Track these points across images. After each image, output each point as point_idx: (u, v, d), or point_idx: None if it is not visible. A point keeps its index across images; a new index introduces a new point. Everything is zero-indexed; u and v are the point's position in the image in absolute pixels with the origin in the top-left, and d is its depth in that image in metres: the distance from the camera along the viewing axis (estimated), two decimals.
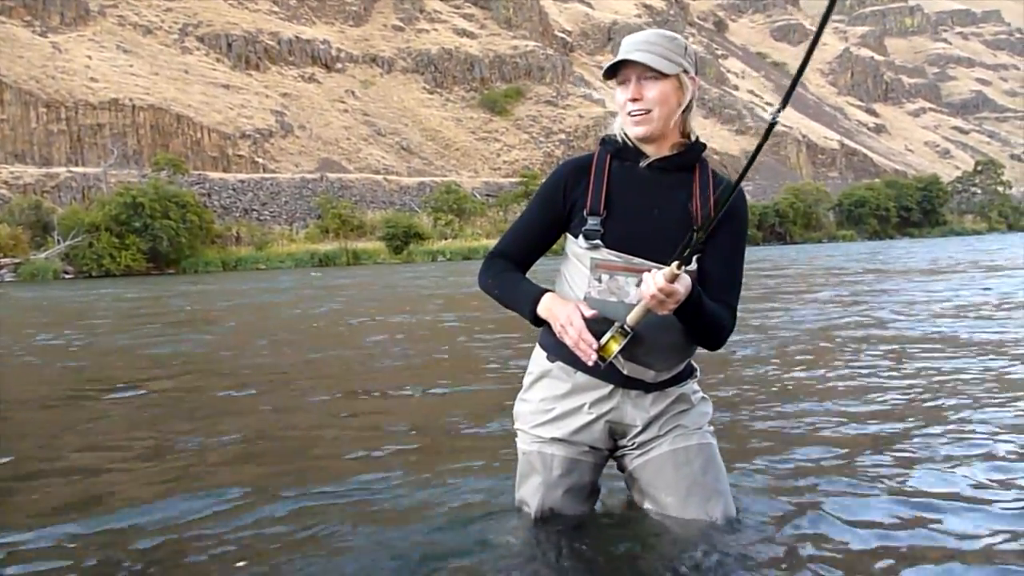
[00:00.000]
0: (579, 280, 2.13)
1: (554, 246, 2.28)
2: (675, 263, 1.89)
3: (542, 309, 2.11)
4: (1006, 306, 8.94)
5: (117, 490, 3.05)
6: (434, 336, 8.18)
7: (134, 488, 3.06)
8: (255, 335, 8.80)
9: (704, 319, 2.04)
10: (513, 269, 2.24)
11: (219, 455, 3.54)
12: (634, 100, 2.08)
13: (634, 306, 2.01)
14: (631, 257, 2.08)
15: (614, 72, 2.11)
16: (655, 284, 1.89)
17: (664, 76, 2.06)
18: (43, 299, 18.02)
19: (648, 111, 2.08)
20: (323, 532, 2.44)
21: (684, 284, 1.92)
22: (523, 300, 2.16)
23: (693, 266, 2.05)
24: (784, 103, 1.67)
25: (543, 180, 2.29)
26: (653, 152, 2.15)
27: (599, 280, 2.09)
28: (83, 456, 3.64)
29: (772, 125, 1.71)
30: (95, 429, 4.20)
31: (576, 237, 2.14)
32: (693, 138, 2.17)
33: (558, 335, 2.07)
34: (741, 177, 1.89)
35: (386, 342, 7.61)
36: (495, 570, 2.11)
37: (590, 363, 2.02)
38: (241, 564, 2.24)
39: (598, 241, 2.10)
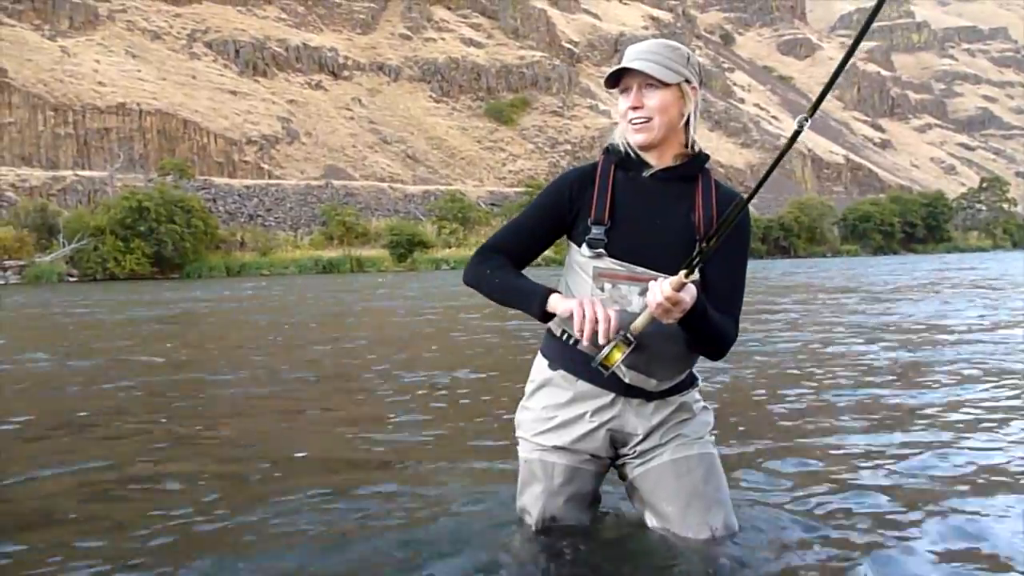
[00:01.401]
0: (582, 289, 2.13)
1: (555, 256, 2.28)
2: (683, 272, 1.89)
3: (554, 300, 2.07)
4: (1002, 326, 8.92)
5: None
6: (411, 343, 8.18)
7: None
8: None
9: (708, 329, 2.04)
10: (510, 265, 2.21)
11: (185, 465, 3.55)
12: (635, 108, 2.09)
13: (637, 315, 2.01)
14: (634, 266, 2.08)
15: (616, 80, 2.12)
16: (662, 292, 1.89)
17: (665, 85, 2.07)
18: None
19: (649, 119, 2.09)
20: (320, 540, 2.43)
21: (690, 293, 1.92)
22: (530, 293, 2.12)
23: (696, 276, 2.05)
24: (813, 110, 1.66)
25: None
26: (655, 161, 2.15)
27: (602, 289, 2.10)
28: None
29: (797, 132, 1.69)
30: None
31: (579, 246, 2.14)
32: (696, 149, 2.18)
33: (575, 313, 1.98)
34: (759, 185, 1.86)
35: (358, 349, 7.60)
36: None
37: (602, 341, 1.96)
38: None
39: (602, 250, 2.10)
